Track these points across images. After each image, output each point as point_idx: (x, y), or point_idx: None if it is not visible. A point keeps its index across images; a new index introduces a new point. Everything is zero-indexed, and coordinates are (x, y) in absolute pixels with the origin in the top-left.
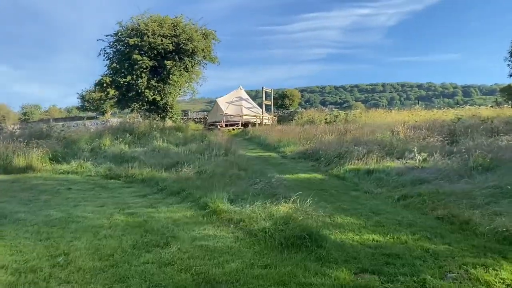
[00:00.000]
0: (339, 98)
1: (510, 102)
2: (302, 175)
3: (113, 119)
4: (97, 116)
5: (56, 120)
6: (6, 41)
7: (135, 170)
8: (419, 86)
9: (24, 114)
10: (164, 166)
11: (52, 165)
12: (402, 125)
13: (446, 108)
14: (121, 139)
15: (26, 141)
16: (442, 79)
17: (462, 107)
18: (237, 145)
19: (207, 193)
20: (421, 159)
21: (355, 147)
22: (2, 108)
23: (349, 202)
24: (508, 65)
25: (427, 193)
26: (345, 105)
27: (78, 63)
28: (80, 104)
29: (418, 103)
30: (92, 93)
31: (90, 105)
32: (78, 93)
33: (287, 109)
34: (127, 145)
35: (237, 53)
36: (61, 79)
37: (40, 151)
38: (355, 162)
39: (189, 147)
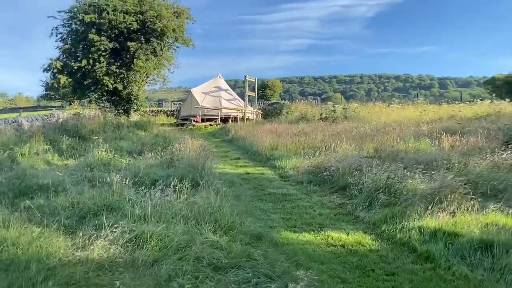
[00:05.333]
0: (318, 89)
1: (493, 94)
2: (333, 236)
3: (63, 114)
4: (64, 106)
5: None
6: None
7: None
8: (396, 78)
9: None
10: (63, 221)
11: None
12: (426, 125)
13: (455, 102)
14: (50, 146)
15: None
16: (419, 70)
17: (475, 102)
18: (214, 157)
19: None
20: None
21: (406, 171)
22: None
23: None
24: None
25: None
26: (323, 96)
27: (53, 50)
28: (44, 92)
29: (418, 96)
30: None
31: (55, 93)
32: (42, 81)
33: (268, 100)
34: (56, 155)
35: (216, 42)
36: (35, 67)
37: None
38: (436, 213)
39: (140, 164)
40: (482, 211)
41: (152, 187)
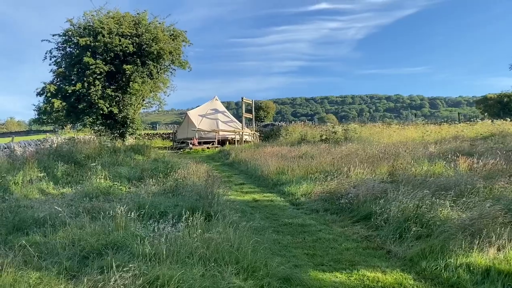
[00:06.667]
0: (310, 110)
1: (486, 114)
2: (368, 275)
3: (57, 138)
4: (56, 130)
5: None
6: None
7: None
8: (388, 98)
9: None
10: (64, 263)
11: None
12: (433, 146)
13: (454, 122)
14: (45, 173)
15: None
16: (409, 91)
17: (476, 122)
18: (222, 183)
19: None
20: None
21: (435, 199)
22: None
23: None
24: None
25: None
26: (316, 116)
27: (46, 73)
28: (36, 116)
29: (415, 116)
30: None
31: (47, 117)
32: (34, 105)
33: (262, 122)
34: (51, 183)
35: (209, 65)
36: (26, 90)
37: None
38: (485, 248)
39: (142, 192)
40: None
41: (161, 220)
